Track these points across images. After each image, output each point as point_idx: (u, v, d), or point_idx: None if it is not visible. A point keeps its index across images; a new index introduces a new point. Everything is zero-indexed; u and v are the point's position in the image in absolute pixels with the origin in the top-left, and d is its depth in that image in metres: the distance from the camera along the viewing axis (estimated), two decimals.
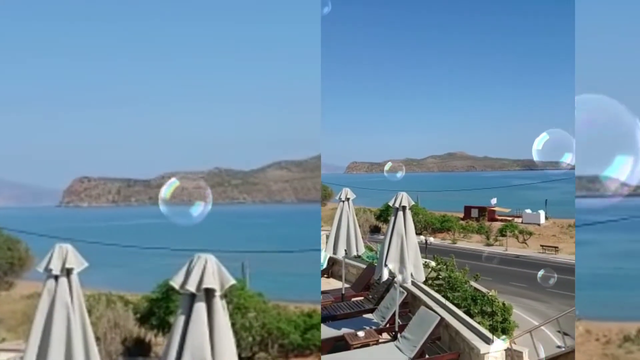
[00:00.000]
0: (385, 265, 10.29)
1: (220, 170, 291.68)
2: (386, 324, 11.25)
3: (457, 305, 15.02)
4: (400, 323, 10.66)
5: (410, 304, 12.45)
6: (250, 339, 14.43)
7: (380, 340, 10.45)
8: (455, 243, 49.70)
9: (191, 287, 4.40)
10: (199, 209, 6.98)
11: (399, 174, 15.00)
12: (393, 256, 10.28)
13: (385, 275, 10.39)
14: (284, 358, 15.63)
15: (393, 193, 10.73)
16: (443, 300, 12.66)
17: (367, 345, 10.11)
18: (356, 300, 13.93)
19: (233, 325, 14.44)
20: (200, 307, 4.46)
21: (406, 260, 10.22)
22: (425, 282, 16.09)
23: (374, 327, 11.10)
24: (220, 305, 4.52)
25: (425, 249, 30.63)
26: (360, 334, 10.34)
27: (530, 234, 49.86)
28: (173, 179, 7.12)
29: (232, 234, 78.26)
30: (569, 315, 16.36)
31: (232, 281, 4.53)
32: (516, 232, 49.82)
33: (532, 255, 42.31)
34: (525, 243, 48.18)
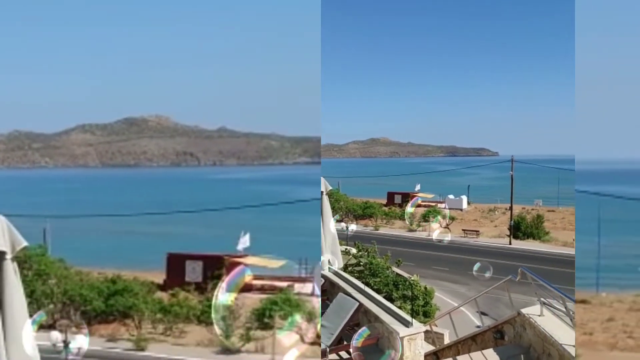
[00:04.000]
0: None
1: (19, 133, 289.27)
2: None
3: (378, 291, 15.48)
4: None
5: (329, 292, 12.64)
6: (51, 306, 14.51)
7: None
8: (377, 229, 51.10)
9: None
10: None
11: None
12: None
13: None
14: (87, 325, 15.86)
15: None
16: (362, 286, 12.98)
17: None
18: None
19: (33, 292, 14.27)
20: None
21: (323, 247, 10.35)
22: (345, 269, 16.42)
23: None
24: (11, 268, 4.43)
25: (346, 236, 31.23)
26: None
27: (453, 218, 52.31)
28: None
29: (33, 199, 77.87)
30: (488, 295, 17.34)
31: (24, 243, 4.46)
32: (439, 217, 52.06)
33: (454, 240, 44.44)
34: (448, 228, 50.51)
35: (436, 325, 16.50)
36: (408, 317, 10.41)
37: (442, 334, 15.61)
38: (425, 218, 51.68)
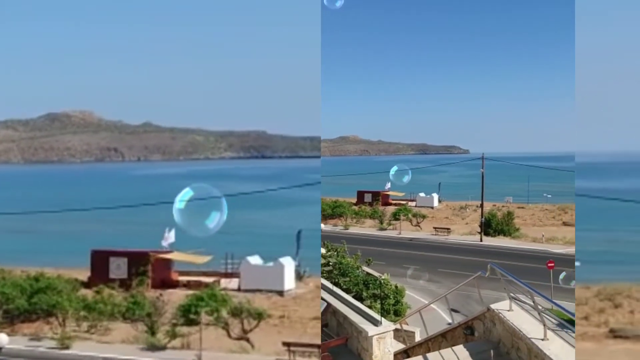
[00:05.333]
0: None
1: None
2: None
3: (348, 291, 15.56)
4: None
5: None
6: None
7: None
8: (347, 229, 51.29)
9: None
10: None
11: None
12: None
13: None
14: (10, 324, 15.93)
15: None
16: (331, 286, 13.02)
17: None
18: None
19: None
20: None
21: None
22: None
23: None
24: None
25: None
26: None
27: (424, 217, 52.82)
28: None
29: None
30: (459, 292, 17.60)
31: None
32: (410, 215, 52.55)
33: (425, 238, 44.96)
34: (419, 226, 51.01)
35: (407, 324, 16.66)
36: (377, 316, 10.49)
37: (413, 332, 15.77)
38: (395, 216, 52.14)
